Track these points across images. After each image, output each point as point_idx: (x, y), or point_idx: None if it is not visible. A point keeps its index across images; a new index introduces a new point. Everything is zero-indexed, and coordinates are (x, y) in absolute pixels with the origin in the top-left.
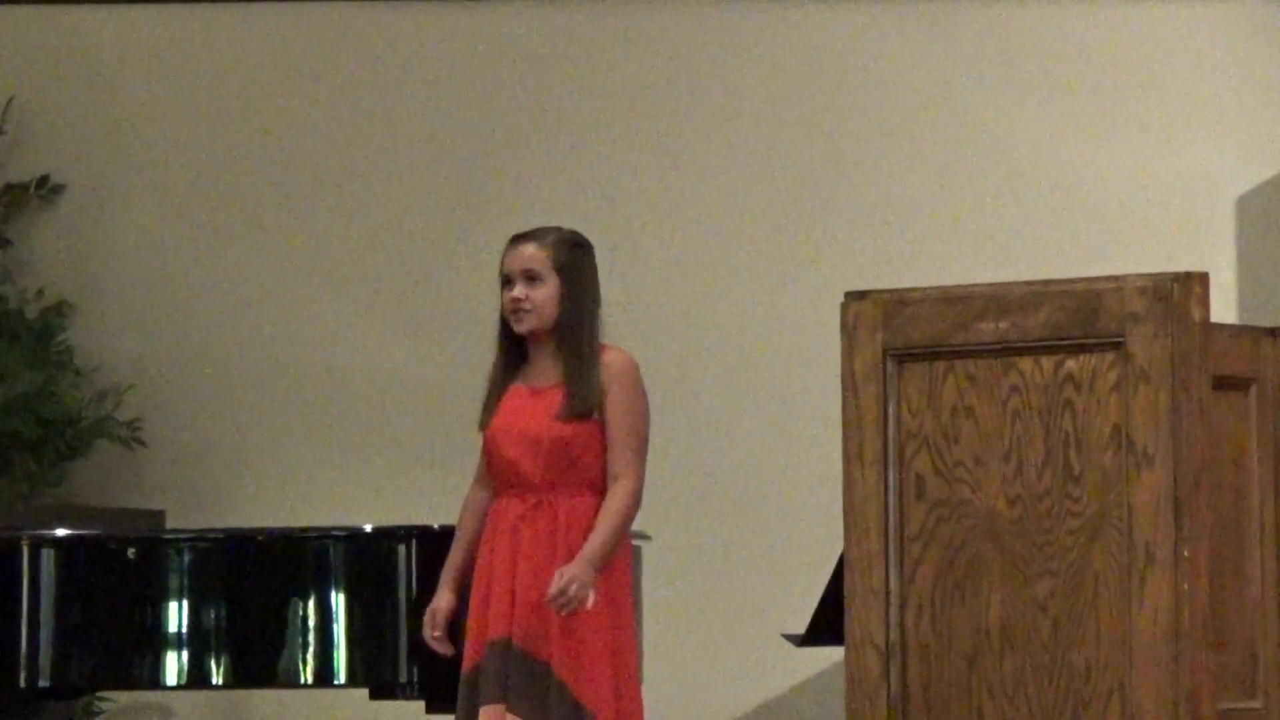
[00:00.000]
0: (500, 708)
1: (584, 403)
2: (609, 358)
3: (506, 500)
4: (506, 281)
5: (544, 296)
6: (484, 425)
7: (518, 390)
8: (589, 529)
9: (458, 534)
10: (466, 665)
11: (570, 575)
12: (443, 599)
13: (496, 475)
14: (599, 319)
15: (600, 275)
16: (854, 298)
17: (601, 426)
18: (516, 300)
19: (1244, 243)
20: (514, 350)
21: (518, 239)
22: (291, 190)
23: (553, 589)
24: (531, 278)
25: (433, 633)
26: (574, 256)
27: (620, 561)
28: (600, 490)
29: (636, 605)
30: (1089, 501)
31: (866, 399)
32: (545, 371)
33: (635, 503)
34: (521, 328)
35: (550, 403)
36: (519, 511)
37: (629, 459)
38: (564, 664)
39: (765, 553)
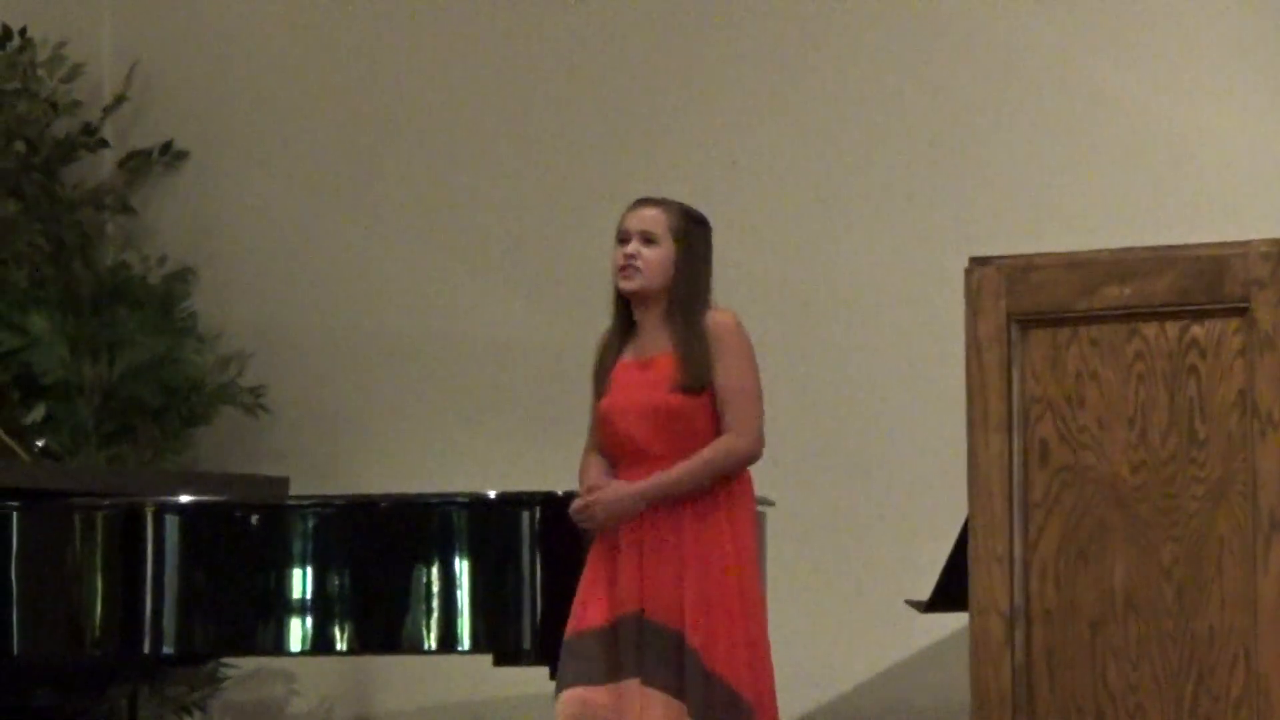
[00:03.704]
0: (636, 681)
1: (697, 377)
2: (712, 319)
3: (627, 475)
4: (622, 240)
5: (657, 258)
6: (597, 397)
7: (626, 365)
8: (714, 500)
9: (587, 462)
10: (586, 625)
11: (602, 499)
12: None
13: (614, 450)
14: (707, 289)
15: (724, 240)
16: (977, 263)
17: (714, 392)
18: (629, 256)
19: None
20: (624, 320)
21: (641, 202)
22: (412, 156)
23: (580, 500)
24: (648, 239)
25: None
26: (693, 228)
27: (746, 528)
28: None
29: (762, 572)
30: (1213, 467)
31: (990, 365)
32: (654, 341)
33: (729, 456)
34: (628, 285)
35: (661, 373)
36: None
37: (735, 415)
38: (696, 633)
39: (889, 519)
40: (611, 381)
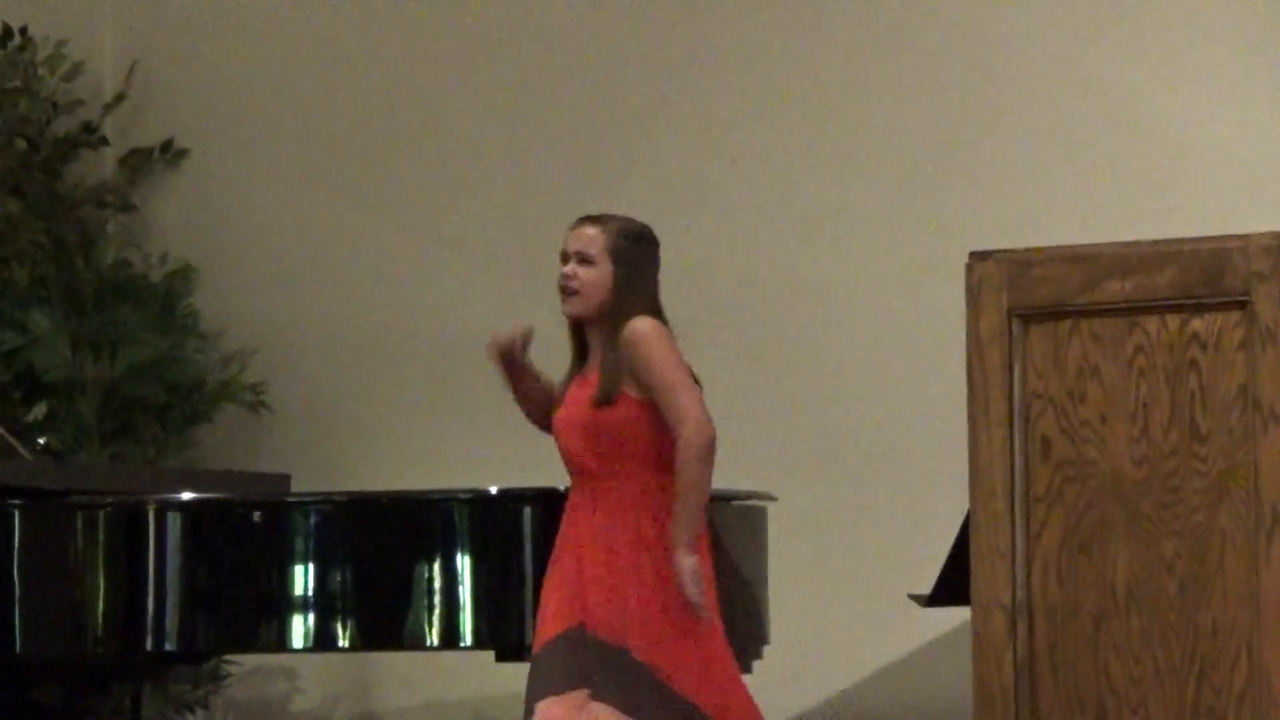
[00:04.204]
0: (583, 694)
1: (605, 390)
2: (627, 327)
3: (575, 489)
4: (563, 259)
5: (593, 279)
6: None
7: (571, 382)
8: (654, 505)
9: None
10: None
11: (691, 587)
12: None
13: (565, 465)
14: (647, 308)
15: (724, 237)
16: (978, 258)
17: (642, 401)
18: (565, 277)
19: None
20: (579, 341)
21: (581, 221)
22: (413, 154)
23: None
24: (584, 259)
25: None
26: (632, 246)
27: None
28: (662, 463)
29: (762, 566)
30: (1215, 461)
31: (991, 360)
32: (593, 357)
33: (689, 449)
34: (567, 308)
35: (590, 389)
36: (579, 500)
37: (670, 412)
38: (642, 648)
39: (891, 513)
40: (564, 398)
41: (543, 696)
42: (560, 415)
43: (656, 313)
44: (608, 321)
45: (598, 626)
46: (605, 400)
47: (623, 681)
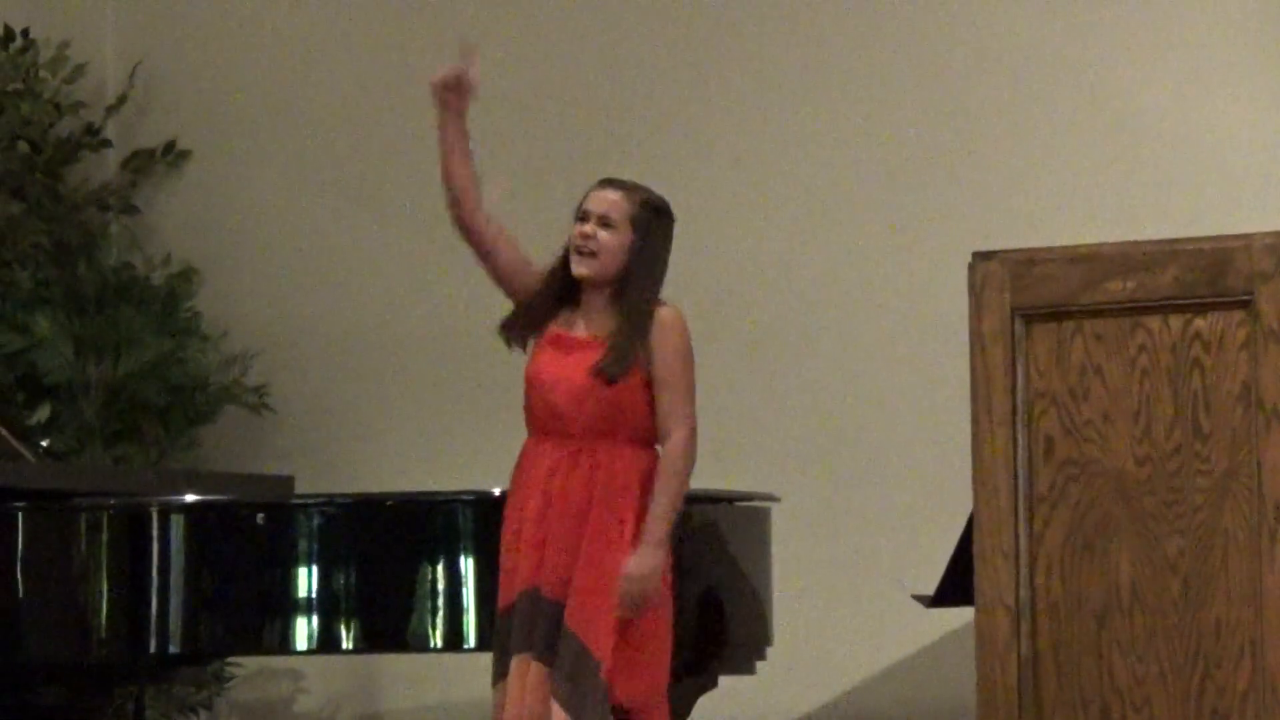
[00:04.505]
0: (528, 656)
1: (619, 368)
2: (661, 313)
3: (543, 444)
4: (581, 219)
5: (612, 244)
6: (517, 346)
7: (560, 335)
8: (626, 481)
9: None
10: (502, 605)
11: (637, 577)
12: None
13: (536, 418)
14: (657, 283)
15: (727, 235)
16: (981, 258)
17: (646, 381)
18: (585, 235)
19: None
20: (564, 291)
21: (605, 182)
22: (415, 156)
23: (623, 595)
24: (606, 223)
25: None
26: (654, 218)
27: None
28: (642, 442)
29: (765, 567)
30: (1218, 460)
31: (994, 359)
32: (596, 324)
33: (692, 453)
34: (581, 268)
35: (593, 355)
36: (554, 459)
37: (684, 410)
38: (573, 612)
39: (894, 514)
40: (542, 348)
41: (518, 651)
42: (546, 370)
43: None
44: (616, 289)
45: (551, 587)
46: (616, 377)
47: (553, 637)
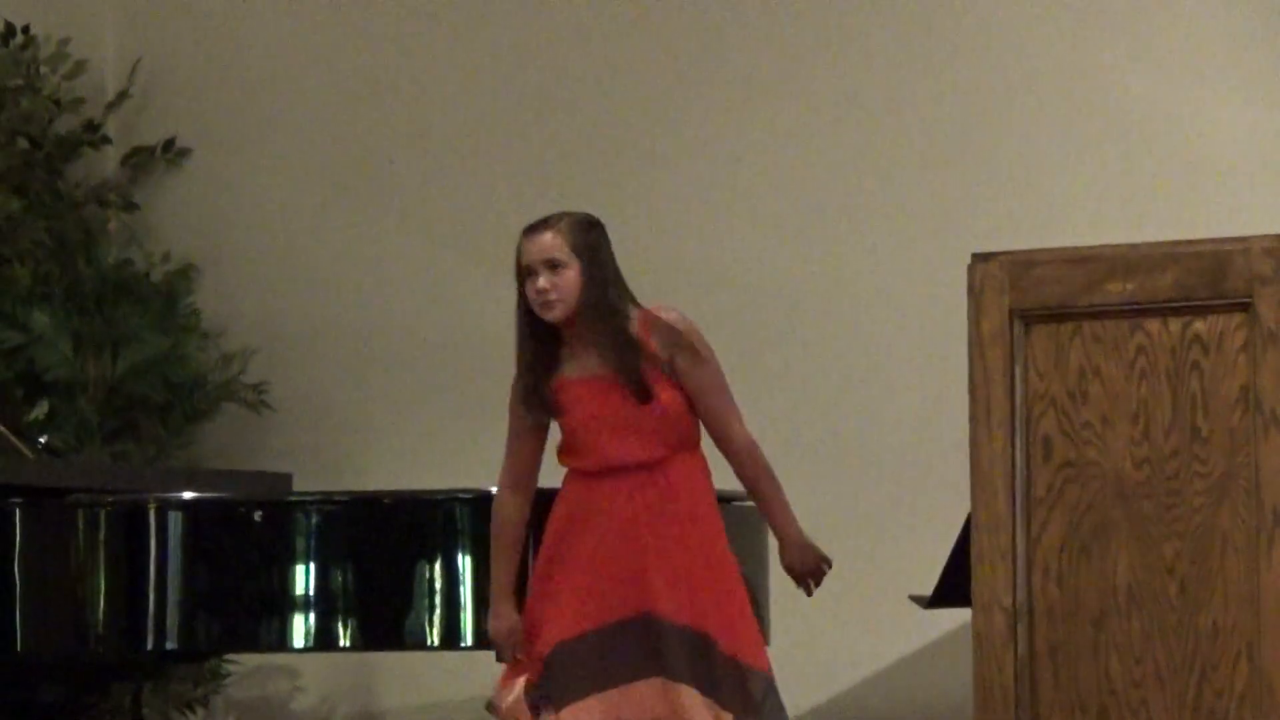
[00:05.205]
0: (657, 681)
1: (642, 386)
2: (670, 318)
3: (604, 483)
4: (528, 273)
5: (568, 281)
6: (536, 411)
7: (571, 382)
8: (692, 490)
9: (501, 548)
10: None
11: (810, 561)
12: (511, 619)
13: (591, 465)
14: (621, 294)
15: (727, 236)
16: (980, 259)
17: (674, 385)
18: (543, 291)
19: None
20: (548, 340)
21: (530, 230)
22: (416, 153)
23: (801, 575)
24: (554, 266)
25: (516, 654)
26: (590, 238)
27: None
28: (690, 446)
29: (762, 567)
30: (1216, 463)
31: (993, 361)
32: (593, 357)
33: (757, 448)
34: (551, 315)
35: (618, 386)
36: (627, 490)
37: (733, 411)
38: (722, 631)
39: (892, 515)
40: (571, 397)
41: (634, 680)
42: (585, 414)
43: (627, 290)
44: (589, 314)
45: (674, 612)
46: (647, 397)
47: (705, 664)
